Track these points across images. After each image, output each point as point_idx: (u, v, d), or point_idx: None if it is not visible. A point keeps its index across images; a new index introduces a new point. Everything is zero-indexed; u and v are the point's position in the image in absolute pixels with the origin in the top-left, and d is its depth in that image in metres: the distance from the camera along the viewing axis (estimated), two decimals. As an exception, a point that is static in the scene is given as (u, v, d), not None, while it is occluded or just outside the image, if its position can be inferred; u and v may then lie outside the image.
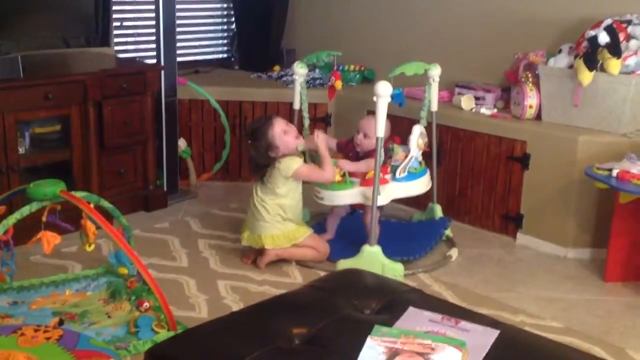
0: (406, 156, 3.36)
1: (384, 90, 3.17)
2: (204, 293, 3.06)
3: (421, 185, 3.46)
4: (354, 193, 3.34)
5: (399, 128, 3.54)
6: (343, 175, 3.34)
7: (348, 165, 3.36)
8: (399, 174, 3.36)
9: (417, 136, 3.34)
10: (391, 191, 3.34)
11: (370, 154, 3.37)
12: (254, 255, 3.38)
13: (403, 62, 3.43)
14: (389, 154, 3.39)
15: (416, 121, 3.52)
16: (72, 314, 2.79)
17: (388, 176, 3.34)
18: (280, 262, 3.39)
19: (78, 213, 2.79)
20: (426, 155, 3.55)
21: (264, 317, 1.97)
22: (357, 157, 3.47)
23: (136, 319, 2.70)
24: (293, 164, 3.25)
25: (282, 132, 3.26)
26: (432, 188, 3.74)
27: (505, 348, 1.80)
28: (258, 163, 3.28)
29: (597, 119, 3.51)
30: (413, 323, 1.87)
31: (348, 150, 3.53)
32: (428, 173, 3.52)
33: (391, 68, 3.37)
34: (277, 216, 3.28)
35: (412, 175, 3.41)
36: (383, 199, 3.30)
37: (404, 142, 3.42)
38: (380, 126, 3.19)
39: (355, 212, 3.60)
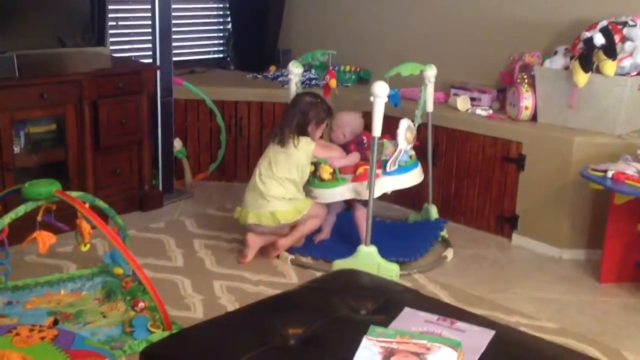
0: (395, 150, 3.38)
1: (381, 91, 3.18)
2: (200, 293, 3.06)
3: (412, 177, 3.48)
4: (346, 189, 3.38)
5: (392, 127, 3.54)
6: (333, 173, 3.36)
7: (337, 162, 3.40)
8: (390, 168, 3.39)
9: (405, 130, 3.37)
10: (382, 185, 3.37)
11: (347, 146, 3.51)
12: (252, 254, 3.39)
13: (399, 62, 3.43)
14: (364, 145, 3.48)
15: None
16: (67, 313, 2.79)
17: (379, 170, 3.36)
18: (275, 262, 3.40)
19: (73, 213, 2.79)
20: (417, 151, 3.56)
21: (260, 317, 1.96)
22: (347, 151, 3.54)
23: (131, 319, 2.70)
24: (311, 144, 3.37)
25: (320, 133, 3.47)
26: (427, 189, 3.75)
27: (501, 348, 1.80)
28: (291, 122, 3.37)
29: (593, 120, 3.52)
30: (409, 323, 1.87)
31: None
32: (419, 166, 3.54)
33: (387, 69, 3.37)
34: (290, 192, 3.34)
35: (402, 169, 3.43)
36: (375, 193, 3.33)
37: (394, 137, 3.44)
38: (377, 126, 3.21)
39: (351, 207, 3.61)
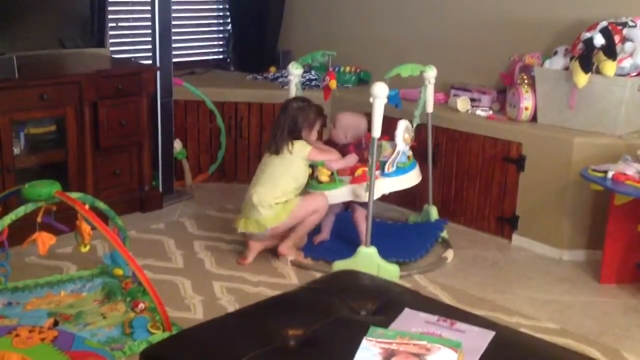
0: (393, 151, 3.39)
1: (380, 91, 3.18)
2: (200, 294, 3.06)
3: (410, 179, 3.48)
4: (344, 191, 3.38)
5: (391, 128, 3.55)
6: (331, 175, 3.36)
7: (334, 164, 3.39)
8: (388, 169, 3.39)
9: (403, 131, 3.38)
10: (381, 186, 3.37)
11: (346, 147, 3.50)
12: (252, 256, 3.40)
13: (399, 63, 3.44)
14: (362, 147, 3.48)
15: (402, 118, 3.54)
16: (67, 314, 2.78)
17: (377, 172, 3.36)
18: (275, 262, 3.40)
19: (73, 214, 2.79)
20: (417, 151, 3.56)
21: (260, 318, 1.96)
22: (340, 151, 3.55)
23: (131, 320, 2.70)
24: (306, 146, 3.36)
25: (315, 134, 3.44)
26: (427, 190, 3.75)
27: (501, 349, 1.80)
28: (283, 130, 3.36)
29: (593, 120, 3.51)
30: (409, 324, 1.87)
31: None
32: (417, 167, 3.55)
33: (387, 69, 3.38)
34: (279, 197, 3.30)
35: (400, 170, 3.43)
36: (374, 194, 3.32)
37: (391, 139, 3.46)
38: (377, 127, 3.21)
39: (349, 208, 3.61)
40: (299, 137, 3.38)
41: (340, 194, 3.39)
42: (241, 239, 3.54)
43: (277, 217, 3.29)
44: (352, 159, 3.43)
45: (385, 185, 3.39)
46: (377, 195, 3.36)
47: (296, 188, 3.38)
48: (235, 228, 3.40)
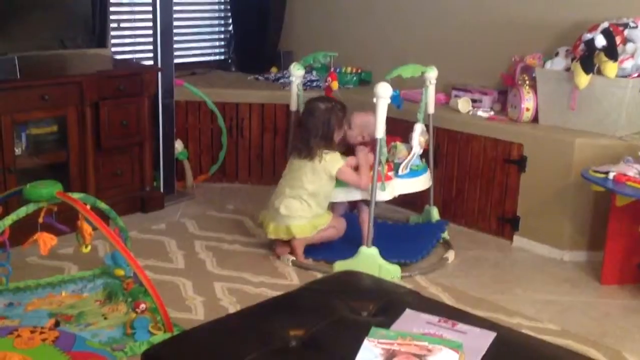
0: (409, 154, 3.41)
1: (384, 92, 3.19)
2: (201, 295, 3.06)
3: (422, 182, 3.52)
4: (360, 190, 3.38)
5: (397, 130, 3.55)
6: None
7: (363, 183, 3.35)
8: (402, 171, 3.42)
9: (419, 134, 3.41)
10: (395, 187, 3.39)
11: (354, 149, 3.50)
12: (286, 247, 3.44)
13: (400, 64, 3.44)
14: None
15: (414, 122, 3.54)
16: (68, 315, 2.79)
17: (391, 173, 3.38)
18: (276, 263, 3.40)
19: (75, 214, 2.79)
20: (424, 154, 3.57)
21: (261, 319, 1.96)
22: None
23: (132, 321, 2.70)
24: (338, 163, 3.34)
25: (342, 133, 3.42)
26: (429, 190, 3.75)
27: (502, 350, 1.80)
28: (316, 134, 3.33)
29: (594, 121, 3.51)
30: (410, 325, 1.87)
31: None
32: (428, 171, 3.57)
33: (388, 70, 3.37)
34: (311, 210, 3.35)
35: (414, 173, 3.47)
36: (387, 195, 3.36)
37: (405, 141, 3.48)
38: (380, 127, 3.21)
39: (355, 209, 3.61)
40: (331, 139, 3.35)
41: (355, 192, 3.40)
42: (242, 239, 3.55)
43: (306, 229, 3.35)
44: (360, 162, 3.38)
45: (399, 187, 3.41)
46: (390, 196, 3.38)
47: (323, 199, 3.39)
48: (262, 226, 3.45)
